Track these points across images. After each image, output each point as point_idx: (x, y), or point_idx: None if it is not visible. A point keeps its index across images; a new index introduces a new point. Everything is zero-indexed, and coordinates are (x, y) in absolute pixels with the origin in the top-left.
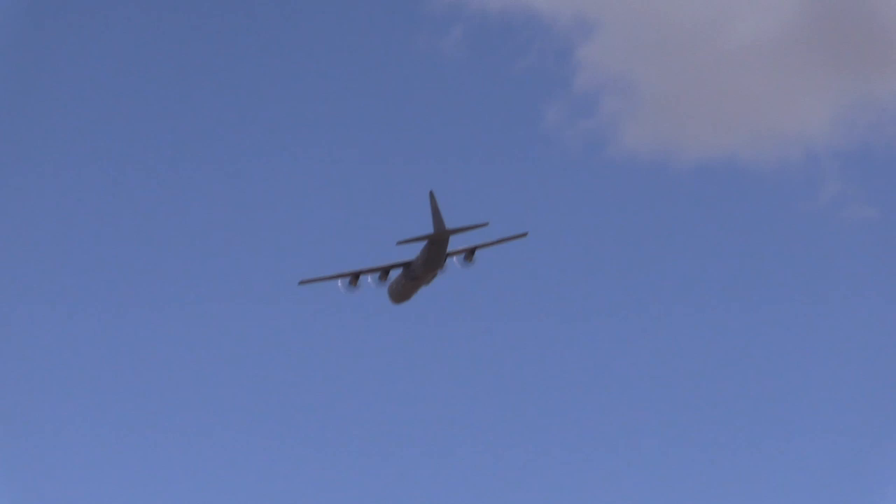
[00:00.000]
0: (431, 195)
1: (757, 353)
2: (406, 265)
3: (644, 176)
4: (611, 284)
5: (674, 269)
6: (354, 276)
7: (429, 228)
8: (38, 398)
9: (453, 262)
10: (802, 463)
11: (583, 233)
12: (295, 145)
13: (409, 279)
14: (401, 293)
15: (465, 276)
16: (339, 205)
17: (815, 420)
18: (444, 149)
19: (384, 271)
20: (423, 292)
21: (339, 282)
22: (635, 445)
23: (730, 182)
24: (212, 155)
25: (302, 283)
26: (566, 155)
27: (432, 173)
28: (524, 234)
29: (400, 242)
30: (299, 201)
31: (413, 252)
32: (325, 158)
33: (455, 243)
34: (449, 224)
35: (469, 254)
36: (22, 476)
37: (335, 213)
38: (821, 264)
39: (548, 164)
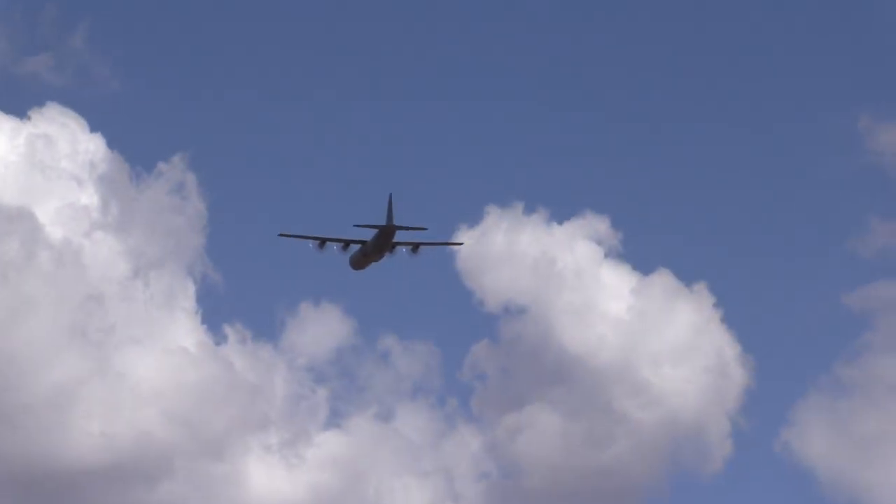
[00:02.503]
0: (390, 196)
1: None
2: (363, 243)
3: None
4: None
5: None
6: (323, 241)
7: (382, 221)
8: None
9: (402, 251)
10: None
11: None
12: None
13: (363, 254)
14: (357, 262)
15: (408, 262)
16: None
17: None
18: None
19: (346, 244)
20: (374, 266)
21: (311, 243)
22: None
23: None
24: None
25: (281, 235)
26: None
27: None
28: (461, 243)
29: (356, 225)
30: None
31: (370, 234)
32: None
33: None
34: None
35: (415, 248)
36: None
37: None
38: None
39: None
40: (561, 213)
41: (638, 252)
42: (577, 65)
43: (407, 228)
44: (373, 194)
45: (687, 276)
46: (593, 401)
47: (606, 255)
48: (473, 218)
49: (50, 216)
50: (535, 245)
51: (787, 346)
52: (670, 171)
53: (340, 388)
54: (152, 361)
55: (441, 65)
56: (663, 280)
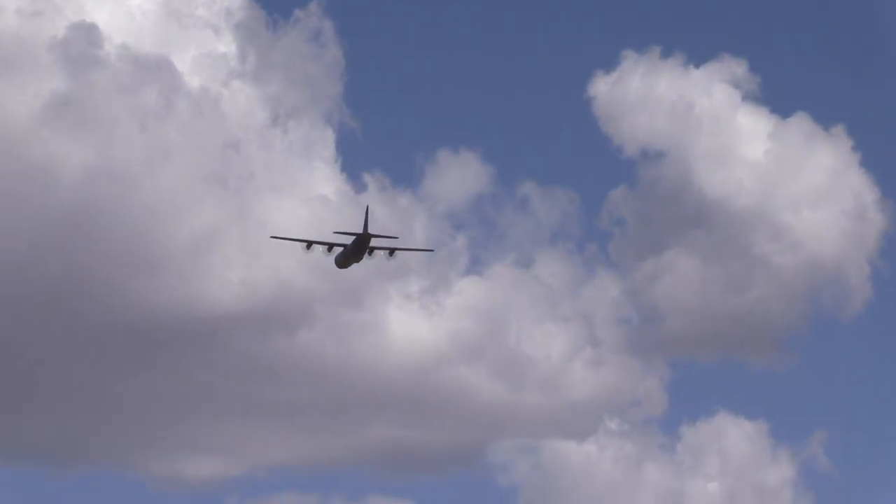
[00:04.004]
0: (367, 208)
1: None
2: (344, 247)
3: None
4: None
5: None
6: (309, 244)
7: (360, 229)
8: None
9: (381, 254)
10: None
11: None
12: None
13: (344, 256)
14: (340, 262)
15: (383, 264)
16: None
17: None
18: None
19: (329, 247)
20: (355, 266)
21: (300, 245)
22: None
23: None
24: None
25: (273, 237)
26: None
27: None
28: (431, 250)
29: (336, 232)
30: None
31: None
32: None
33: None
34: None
35: (391, 252)
36: None
37: None
38: None
39: None
40: (698, 56)
41: (776, 95)
42: None
43: (380, 237)
44: None
45: (825, 119)
46: (732, 245)
47: (744, 99)
48: (610, 63)
49: (188, 65)
50: (672, 89)
51: None
52: (809, 12)
53: (480, 236)
54: (292, 210)
55: None
56: (801, 123)
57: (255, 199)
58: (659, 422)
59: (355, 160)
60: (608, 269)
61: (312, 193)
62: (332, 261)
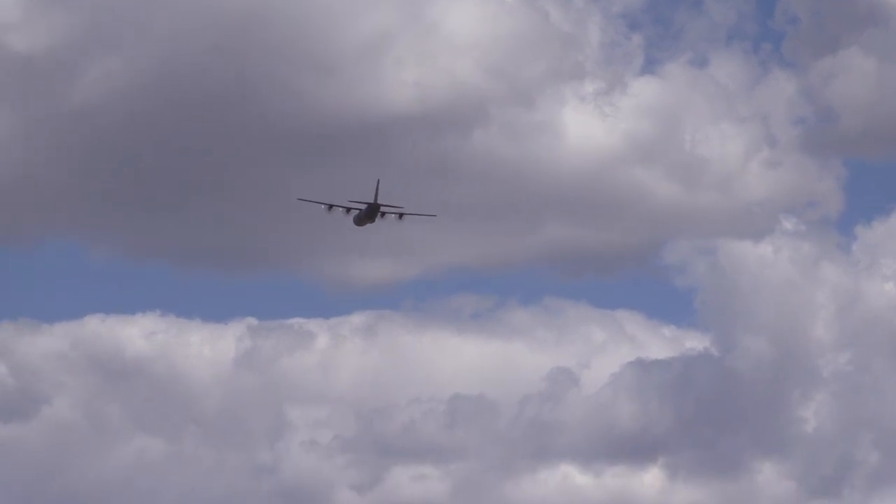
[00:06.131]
0: (377, 182)
1: None
2: (359, 210)
3: None
4: None
5: None
6: (330, 206)
7: (370, 198)
8: None
9: (392, 217)
10: None
11: None
12: None
13: (359, 218)
14: (357, 222)
15: (394, 225)
16: None
17: None
18: None
19: (347, 210)
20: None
21: (323, 206)
22: None
23: None
24: None
25: (299, 199)
26: None
27: None
28: (434, 215)
29: (350, 200)
30: None
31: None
32: None
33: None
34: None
35: (400, 216)
36: None
37: None
38: None
39: None
40: None
41: None
42: None
43: (387, 205)
44: None
45: None
46: None
47: None
48: None
49: None
50: None
51: None
52: None
53: (655, 36)
54: (467, 11)
55: None
56: None
57: (429, 0)
58: (835, 221)
59: None
60: (783, 68)
61: None
62: (351, 220)
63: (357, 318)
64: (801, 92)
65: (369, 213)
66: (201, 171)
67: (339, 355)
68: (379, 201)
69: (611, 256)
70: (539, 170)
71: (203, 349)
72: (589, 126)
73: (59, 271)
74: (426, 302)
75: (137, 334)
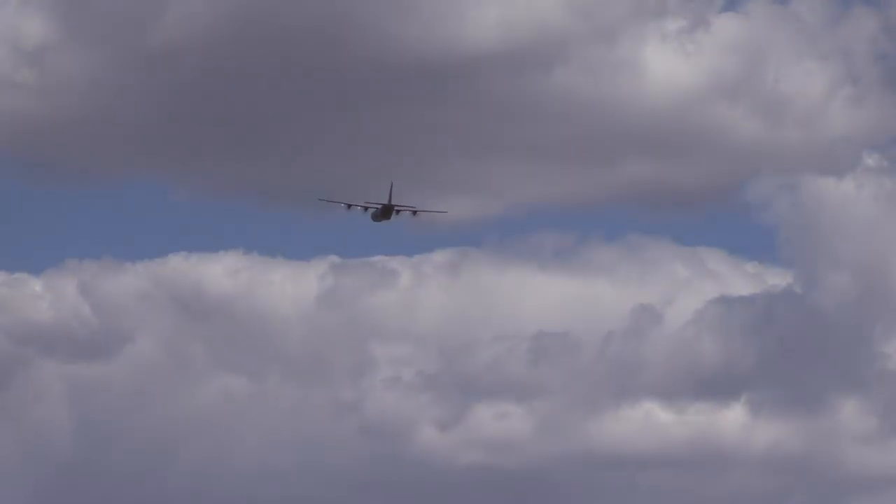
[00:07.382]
0: (391, 184)
1: None
2: (376, 209)
3: None
4: None
5: None
6: (349, 205)
7: (385, 199)
8: None
9: (407, 214)
10: None
11: None
12: None
13: (375, 216)
14: (374, 219)
15: (409, 221)
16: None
17: None
18: None
19: (364, 208)
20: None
21: (342, 205)
22: None
23: None
24: None
25: (320, 199)
26: None
27: None
28: (445, 211)
29: (367, 202)
30: None
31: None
32: None
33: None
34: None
35: (414, 213)
36: None
37: None
38: None
39: None
40: None
41: None
42: None
43: (400, 205)
44: None
45: None
46: None
47: None
48: None
49: None
50: None
51: None
52: None
53: None
54: None
55: None
56: None
57: None
58: None
59: None
60: (865, 4)
61: None
62: (370, 217)
63: (439, 256)
64: (884, 28)
65: (384, 212)
66: (285, 110)
67: (422, 293)
68: (392, 202)
69: (693, 194)
70: (621, 108)
71: (286, 287)
72: (671, 64)
73: (142, 210)
74: (509, 239)
75: (220, 272)
